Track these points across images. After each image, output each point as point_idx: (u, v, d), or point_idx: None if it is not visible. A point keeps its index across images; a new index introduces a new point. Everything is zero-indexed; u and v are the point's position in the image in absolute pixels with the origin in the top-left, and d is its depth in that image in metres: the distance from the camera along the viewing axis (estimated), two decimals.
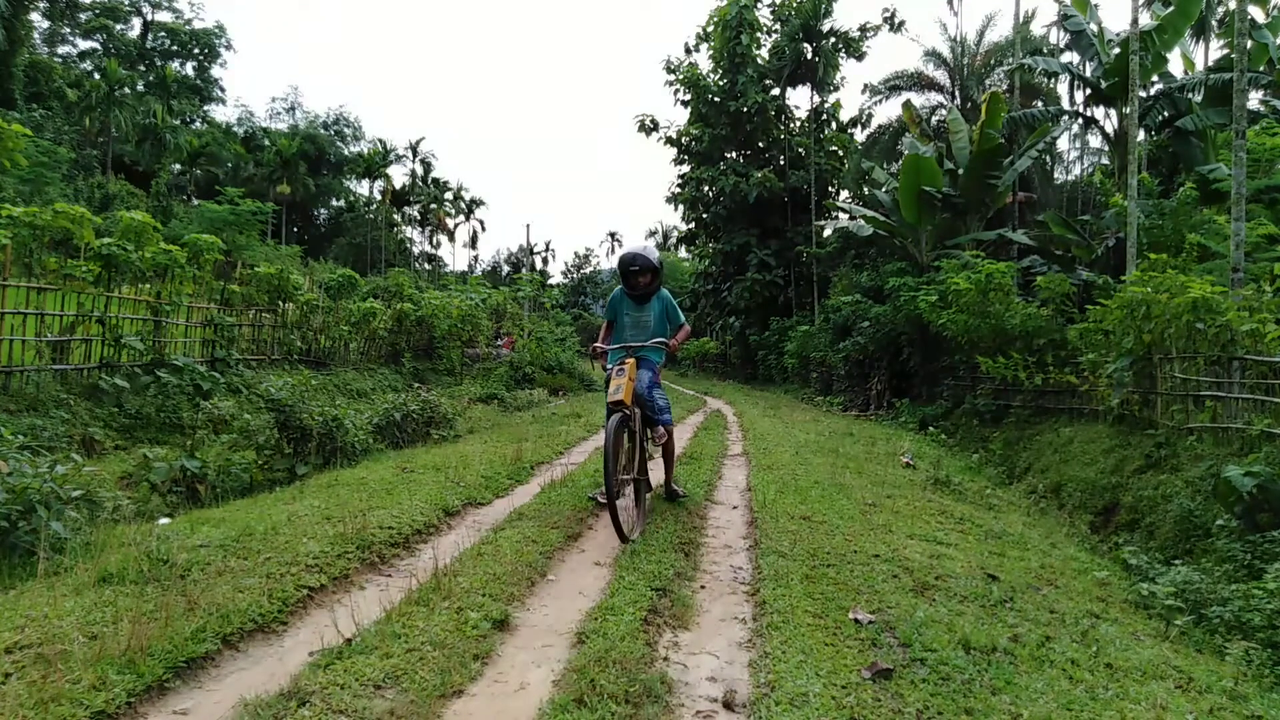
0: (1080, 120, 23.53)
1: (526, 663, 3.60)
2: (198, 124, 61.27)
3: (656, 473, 7.00)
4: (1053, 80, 27.72)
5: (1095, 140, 36.49)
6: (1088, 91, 20.76)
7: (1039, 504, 9.84)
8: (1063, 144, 36.99)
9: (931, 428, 15.43)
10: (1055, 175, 34.09)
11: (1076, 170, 38.62)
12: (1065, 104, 27.62)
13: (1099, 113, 21.58)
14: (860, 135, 31.83)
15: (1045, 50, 29.58)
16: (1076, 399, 12.14)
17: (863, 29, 29.33)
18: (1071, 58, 24.60)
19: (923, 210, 20.69)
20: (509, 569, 4.73)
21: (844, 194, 32.15)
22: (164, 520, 5.86)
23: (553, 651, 3.74)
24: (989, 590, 5.06)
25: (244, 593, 4.04)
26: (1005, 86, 27.23)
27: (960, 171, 21.14)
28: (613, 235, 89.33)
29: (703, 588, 4.87)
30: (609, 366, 6.06)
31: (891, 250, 23.86)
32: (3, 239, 9.10)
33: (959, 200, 20.79)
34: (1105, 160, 27.90)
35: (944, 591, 4.95)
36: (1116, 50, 18.43)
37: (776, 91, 30.76)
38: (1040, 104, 25.85)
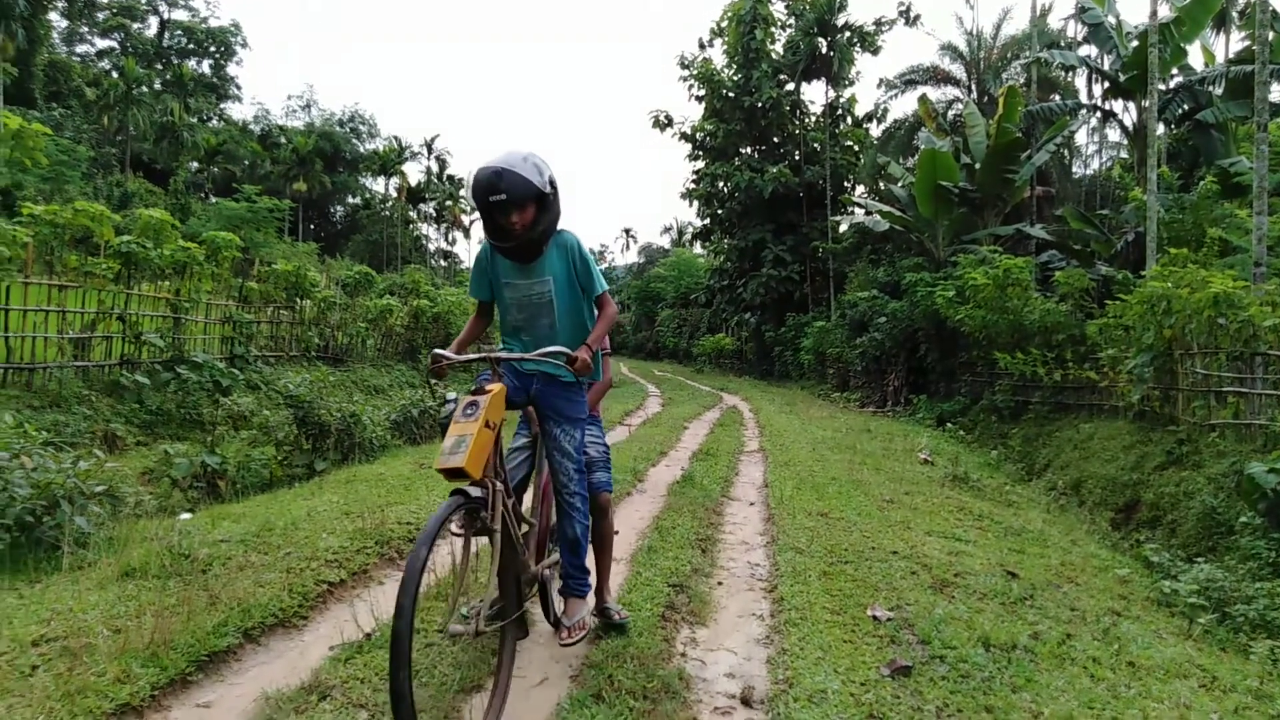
0: (1098, 114, 23.31)
1: (544, 658, 3.61)
2: (214, 122, 61.68)
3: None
4: (1070, 74, 27.52)
5: (1114, 134, 36.09)
6: (1106, 85, 20.56)
7: (1059, 501, 9.78)
8: (1081, 138, 36.70)
9: (949, 424, 15.35)
10: (1074, 169, 33.83)
11: (1095, 164, 38.24)
12: (1083, 97, 27.35)
13: (1117, 106, 21.38)
14: (876, 130, 31.67)
15: (1063, 44, 29.30)
16: (1096, 395, 12.05)
17: (878, 23, 29.14)
18: (1089, 51, 24.38)
19: (939, 205, 20.56)
20: None
21: (860, 189, 32.00)
22: (185, 515, 5.91)
23: (570, 647, 3.75)
24: (1008, 587, 5.03)
25: (264, 587, 4.07)
26: (1022, 80, 27.01)
27: (977, 166, 20.99)
28: (627, 231, 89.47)
29: (720, 584, 4.86)
30: (451, 399, 3.27)
31: (908, 245, 23.74)
32: (24, 237, 9.18)
33: (976, 195, 20.66)
34: (1124, 154, 27.67)
35: (963, 589, 4.92)
36: (1135, 43, 18.21)
37: (791, 86, 30.62)
38: (1058, 98, 25.63)
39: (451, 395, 3.31)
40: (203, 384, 11.14)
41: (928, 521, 6.89)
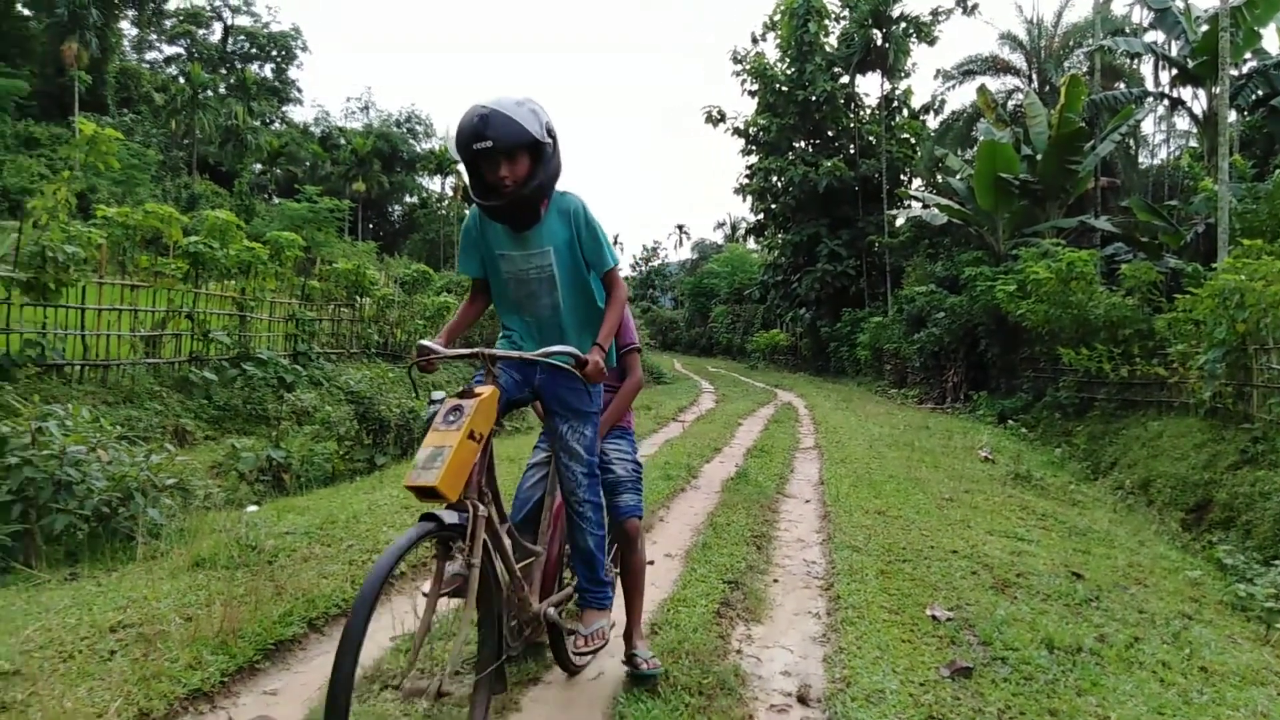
0: (1166, 102, 22.60)
1: (600, 653, 3.63)
2: (277, 124, 63.16)
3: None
4: (1136, 61, 26.70)
5: (1183, 122, 34.92)
6: (1174, 72, 19.95)
7: (1126, 500, 9.51)
8: (1147, 126, 35.49)
9: (1011, 421, 15.03)
10: (1140, 159, 32.78)
11: (1163, 154, 37.01)
12: (1149, 85, 26.54)
13: (1186, 93, 20.74)
14: (933, 122, 31.11)
15: (1127, 30, 28.43)
16: (1165, 391, 11.67)
17: (935, 13, 28.54)
18: (1156, 37, 23.65)
19: (999, 197, 20.13)
20: None
21: (916, 182, 31.46)
22: (252, 508, 6.07)
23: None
24: (1073, 589, 4.91)
25: (328, 579, 4.16)
26: (1085, 69, 26.29)
27: (1038, 157, 20.49)
28: (680, 228, 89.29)
29: (775, 581, 4.84)
30: (435, 399, 2.89)
31: (967, 239, 23.28)
32: (99, 239, 9.51)
33: (1037, 187, 20.16)
34: (1194, 143, 26.76)
35: (1025, 589, 4.82)
36: (1205, 28, 17.60)
37: (845, 79, 30.24)
38: (1122, 86, 24.86)
39: (438, 394, 2.81)
40: (268, 380, 11.43)
41: (988, 520, 6.76)
